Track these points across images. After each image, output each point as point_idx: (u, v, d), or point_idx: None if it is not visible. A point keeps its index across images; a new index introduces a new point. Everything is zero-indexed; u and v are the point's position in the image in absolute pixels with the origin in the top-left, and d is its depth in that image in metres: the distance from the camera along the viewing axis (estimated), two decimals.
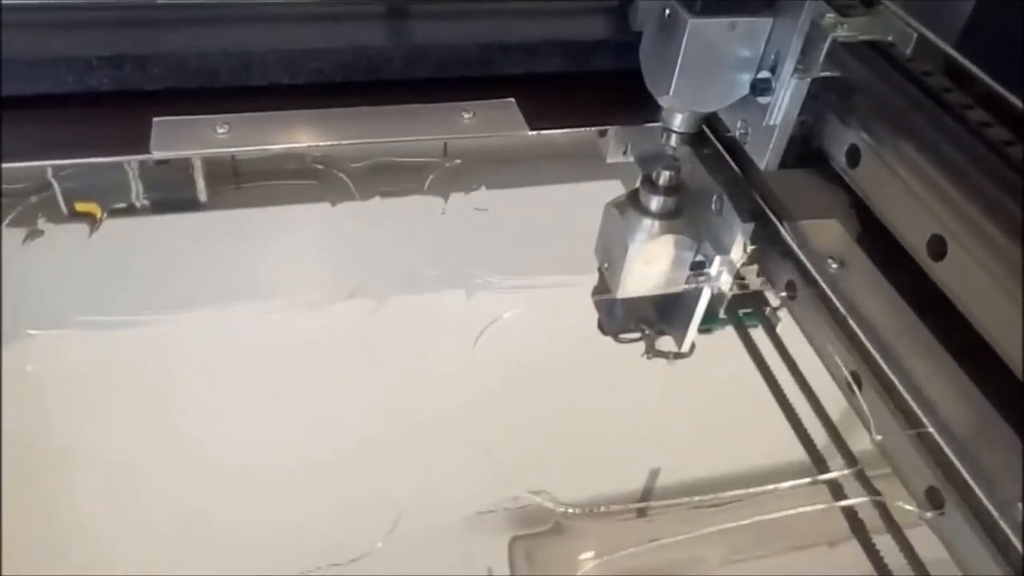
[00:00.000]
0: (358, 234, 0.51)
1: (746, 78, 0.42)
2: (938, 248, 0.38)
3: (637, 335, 0.49)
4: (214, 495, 0.37)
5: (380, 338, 0.48)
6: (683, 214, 0.48)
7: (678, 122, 0.46)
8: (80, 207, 0.48)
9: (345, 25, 0.55)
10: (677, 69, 0.40)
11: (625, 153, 0.59)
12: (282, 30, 0.55)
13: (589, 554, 0.44)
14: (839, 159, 0.44)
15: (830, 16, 0.39)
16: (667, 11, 0.41)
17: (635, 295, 0.48)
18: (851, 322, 0.45)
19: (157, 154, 0.49)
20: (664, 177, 0.47)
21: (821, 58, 0.39)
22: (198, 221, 0.50)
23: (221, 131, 0.51)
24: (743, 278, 0.49)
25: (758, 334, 0.49)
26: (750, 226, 0.46)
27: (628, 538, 0.42)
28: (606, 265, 0.49)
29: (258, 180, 0.53)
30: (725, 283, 0.48)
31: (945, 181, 0.38)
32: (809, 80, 0.41)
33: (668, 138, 0.47)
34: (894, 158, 0.41)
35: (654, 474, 0.45)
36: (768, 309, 0.50)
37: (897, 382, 0.42)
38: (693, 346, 0.49)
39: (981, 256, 0.36)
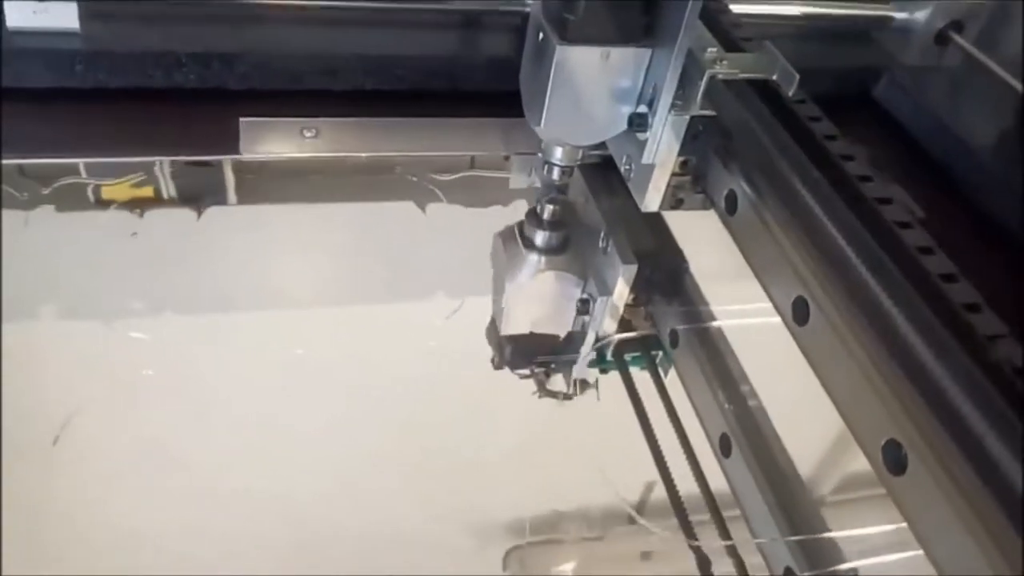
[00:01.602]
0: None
1: (625, 111, 0.39)
2: (801, 311, 0.35)
3: (527, 372, 0.47)
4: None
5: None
6: (570, 249, 0.45)
7: (558, 155, 0.43)
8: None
9: (428, 33, 0.55)
10: (547, 99, 0.37)
11: (530, 176, 0.55)
12: (368, 35, 0.55)
13: None
14: (720, 204, 0.41)
15: (712, 51, 0.36)
16: (540, 34, 0.37)
17: (519, 332, 0.46)
18: (733, 377, 0.43)
19: (247, 155, 0.50)
20: (548, 211, 0.44)
21: (699, 95, 0.36)
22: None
23: (308, 134, 0.51)
24: (629, 320, 0.46)
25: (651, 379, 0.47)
26: (633, 267, 0.43)
27: None
28: (494, 300, 0.47)
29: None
30: (609, 325, 0.45)
31: (809, 242, 0.34)
32: (688, 118, 0.38)
33: (549, 171, 0.43)
34: (765, 210, 0.37)
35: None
36: (658, 355, 0.47)
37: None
38: (584, 385, 0.47)
39: (840, 328, 0.32)
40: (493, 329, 0.47)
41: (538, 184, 0.54)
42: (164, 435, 0.39)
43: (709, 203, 0.42)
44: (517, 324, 0.45)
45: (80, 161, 0.48)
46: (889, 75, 0.65)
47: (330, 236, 0.50)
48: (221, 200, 0.49)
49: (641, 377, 0.47)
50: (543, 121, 0.38)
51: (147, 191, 0.48)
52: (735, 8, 0.64)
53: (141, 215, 0.46)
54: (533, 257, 0.44)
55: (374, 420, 0.41)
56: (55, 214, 0.44)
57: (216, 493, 0.37)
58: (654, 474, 0.42)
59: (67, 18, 0.50)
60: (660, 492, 0.41)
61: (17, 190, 0.45)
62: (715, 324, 0.44)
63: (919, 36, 0.64)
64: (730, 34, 0.40)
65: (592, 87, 0.37)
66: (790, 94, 0.35)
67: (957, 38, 0.63)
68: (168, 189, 0.50)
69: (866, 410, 0.31)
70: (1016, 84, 0.59)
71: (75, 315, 0.44)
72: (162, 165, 0.49)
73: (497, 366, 0.47)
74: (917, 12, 0.64)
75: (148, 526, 0.35)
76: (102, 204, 0.47)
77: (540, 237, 0.44)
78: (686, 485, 0.42)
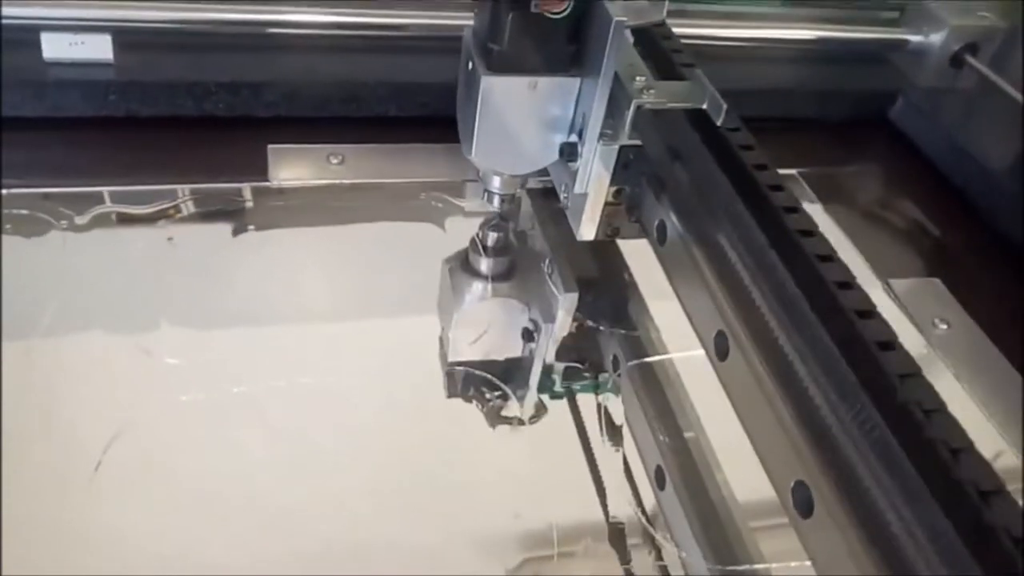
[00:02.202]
0: None
1: (557, 140, 0.38)
2: (722, 346, 0.34)
3: (479, 399, 0.46)
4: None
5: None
6: (516, 276, 0.44)
7: (496, 183, 0.42)
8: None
9: (450, 60, 0.57)
10: (476, 128, 0.37)
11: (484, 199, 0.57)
12: (391, 63, 0.57)
13: None
14: (652, 234, 0.40)
15: (640, 80, 0.35)
16: (469, 63, 0.37)
17: (466, 359, 0.45)
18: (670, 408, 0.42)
19: (275, 182, 0.51)
20: (491, 238, 0.43)
21: (627, 125, 0.35)
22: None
23: (335, 161, 0.53)
24: (577, 346, 0.46)
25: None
26: (574, 296, 0.43)
27: None
28: (443, 328, 0.46)
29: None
30: (553, 354, 0.45)
31: (728, 278, 0.33)
32: (617, 148, 0.37)
33: (489, 199, 0.42)
34: (691, 243, 0.36)
35: None
36: (608, 381, 0.46)
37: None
38: (540, 411, 0.45)
39: (755, 366, 0.32)
40: (444, 356, 0.46)
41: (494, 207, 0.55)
42: (196, 453, 0.40)
43: (644, 232, 0.41)
44: (464, 352, 0.45)
45: (109, 189, 0.50)
46: (905, 97, 0.66)
47: (353, 255, 0.51)
48: (241, 222, 0.51)
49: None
50: (473, 150, 0.38)
51: (112, 217, 0.49)
52: (752, 32, 0.66)
53: (170, 240, 0.48)
54: (478, 285, 0.44)
55: (403, 432, 0.42)
56: (87, 233, 0.46)
57: (245, 507, 0.38)
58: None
59: (101, 49, 0.52)
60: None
61: (54, 217, 0.46)
62: (659, 352, 0.44)
63: (934, 59, 0.65)
64: (669, 60, 0.40)
65: (521, 116, 0.37)
66: (718, 123, 0.34)
67: (972, 60, 0.64)
68: (188, 208, 0.52)
69: (778, 451, 0.30)
70: None
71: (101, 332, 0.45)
72: (184, 191, 0.51)
73: (449, 394, 0.46)
74: (932, 35, 0.65)
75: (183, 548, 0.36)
76: (126, 222, 0.48)
77: (484, 264, 0.44)
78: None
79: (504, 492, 0.42)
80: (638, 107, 0.34)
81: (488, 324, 0.44)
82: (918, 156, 0.64)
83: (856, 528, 0.26)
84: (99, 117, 0.52)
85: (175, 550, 0.35)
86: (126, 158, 0.51)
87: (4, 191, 0.47)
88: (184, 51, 0.54)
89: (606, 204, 0.40)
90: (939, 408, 0.25)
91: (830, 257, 0.30)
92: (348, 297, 0.48)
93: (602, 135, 0.36)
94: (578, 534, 0.40)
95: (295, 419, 0.41)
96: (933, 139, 0.63)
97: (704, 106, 0.34)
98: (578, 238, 0.40)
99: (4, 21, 0.50)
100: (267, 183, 0.51)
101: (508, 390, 0.45)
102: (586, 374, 0.46)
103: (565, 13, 0.34)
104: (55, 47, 0.51)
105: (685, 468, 0.40)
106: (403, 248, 0.51)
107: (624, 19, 0.33)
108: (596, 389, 0.46)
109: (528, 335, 0.44)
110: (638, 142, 0.37)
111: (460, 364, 0.45)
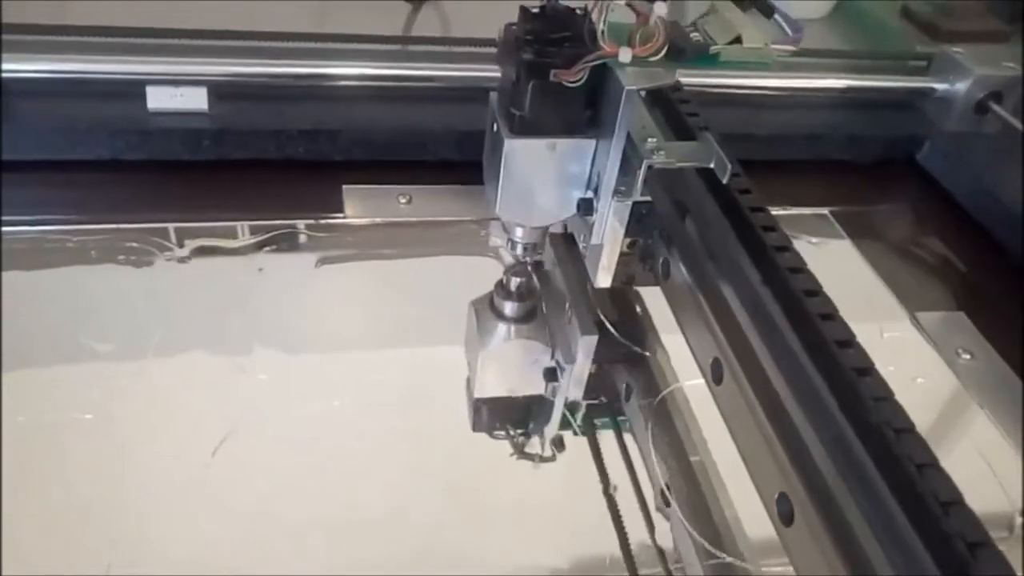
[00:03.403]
0: None
1: (575, 195, 0.40)
2: (718, 373, 0.37)
3: (503, 435, 0.48)
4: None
5: None
6: (538, 318, 0.47)
7: (519, 233, 0.44)
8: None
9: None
10: (500, 186, 0.39)
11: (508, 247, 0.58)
12: (455, 111, 0.62)
13: None
14: (656, 270, 0.43)
15: (651, 141, 0.37)
16: (494, 125, 0.39)
17: (491, 396, 0.47)
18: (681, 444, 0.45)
19: (352, 220, 0.57)
20: (514, 283, 0.45)
21: (639, 184, 0.37)
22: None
23: (403, 200, 0.59)
24: (599, 384, 0.48)
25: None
26: (593, 338, 0.44)
27: None
28: (470, 366, 0.48)
29: None
30: (576, 392, 0.46)
31: (722, 311, 0.36)
32: (630, 203, 0.39)
33: (513, 247, 0.45)
34: (691, 279, 0.39)
35: None
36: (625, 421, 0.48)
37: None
38: (561, 447, 0.47)
39: (746, 391, 0.34)
40: (470, 393, 0.48)
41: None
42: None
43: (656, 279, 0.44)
44: (488, 390, 0.47)
45: (205, 224, 0.55)
46: (931, 141, 0.69)
47: (420, 284, 0.55)
48: (320, 255, 0.55)
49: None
50: (498, 205, 0.41)
51: (210, 249, 0.54)
52: (792, 82, 0.71)
53: (260, 270, 0.53)
54: (502, 326, 0.46)
55: (443, 452, 0.46)
56: (188, 263, 0.52)
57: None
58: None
59: (198, 100, 0.58)
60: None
61: (159, 249, 0.52)
62: (668, 382, 0.46)
63: (960, 105, 0.69)
64: (681, 119, 0.41)
65: (541, 175, 0.39)
66: (724, 182, 0.36)
67: (996, 108, 0.67)
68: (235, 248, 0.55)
69: (763, 466, 0.33)
70: None
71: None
72: (270, 227, 0.57)
73: (474, 428, 0.48)
74: (958, 84, 0.69)
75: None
76: (221, 253, 0.54)
77: (509, 307, 0.46)
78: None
79: (523, 523, 0.44)
80: (649, 167, 0.37)
81: (512, 364, 0.46)
82: (944, 196, 0.67)
83: (830, 535, 0.29)
84: (195, 160, 0.58)
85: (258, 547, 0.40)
86: (219, 197, 0.57)
87: (115, 226, 0.53)
88: (269, 102, 0.60)
89: (621, 254, 0.42)
90: (909, 428, 0.28)
91: (815, 292, 0.33)
92: (415, 323, 0.53)
93: (616, 192, 0.39)
94: (595, 565, 0.43)
95: (369, 435, 0.46)
96: (958, 180, 0.67)
97: (711, 165, 0.36)
98: (595, 285, 0.43)
99: (115, 77, 0.57)
100: (343, 219, 0.57)
101: (531, 427, 0.48)
102: (606, 410, 0.49)
103: (581, 82, 0.36)
104: (158, 99, 0.57)
105: (691, 490, 0.43)
106: (464, 278, 0.56)
107: (635, 87, 0.35)
108: (616, 425, 0.48)
109: (551, 374, 0.46)
110: (648, 199, 0.40)
111: (485, 401, 0.47)
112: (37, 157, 0.56)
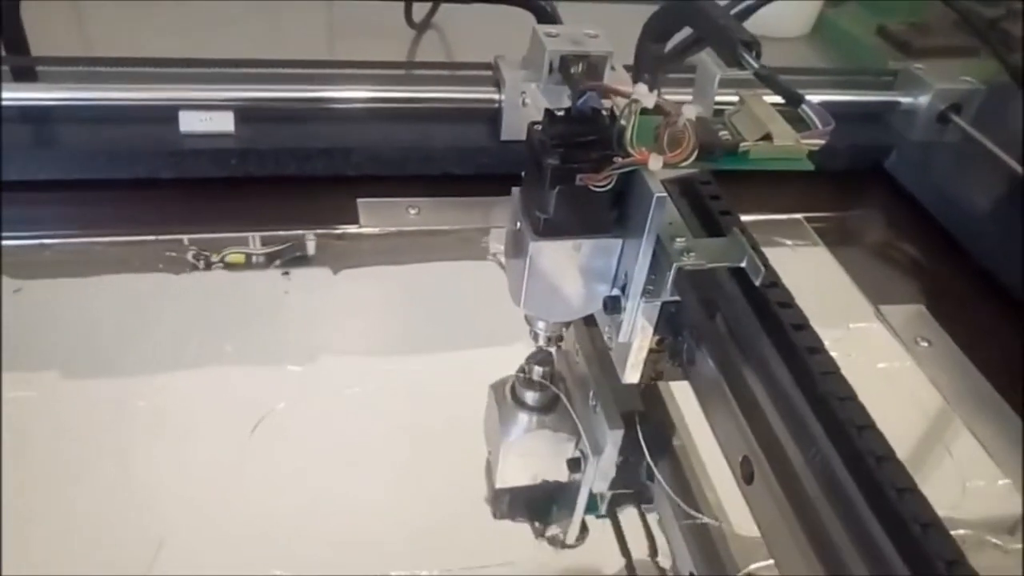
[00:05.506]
0: None
1: (601, 291, 0.39)
2: (748, 470, 0.36)
3: (524, 521, 0.47)
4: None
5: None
6: (561, 406, 0.45)
7: (542, 324, 0.43)
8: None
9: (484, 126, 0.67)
10: (525, 285, 0.38)
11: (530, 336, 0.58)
12: (457, 130, 0.68)
13: None
14: (685, 367, 0.42)
15: (680, 241, 0.35)
16: (518, 223, 0.38)
17: (512, 486, 0.46)
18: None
19: (366, 229, 0.63)
20: (536, 372, 0.44)
21: (668, 284, 0.36)
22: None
23: (412, 211, 0.65)
24: (622, 472, 0.46)
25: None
26: (619, 432, 0.43)
27: None
28: (489, 451, 0.47)
29: None
30: (601, 483, 0.46)
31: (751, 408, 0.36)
32: (659, 303, 0.38)
33: (536, 337, 0.43)
34: (718, 373, 0.39)
35: None
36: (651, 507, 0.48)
37: None
38: (584, 533, 0.47)
39: (778, 494, 0.34)
40: (491, 479, 0.47)
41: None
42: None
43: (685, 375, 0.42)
44: (510, 479, 0.46)
45: (232, 235, 0.61)
46: (898, 150, 0.75)
47: (429, 288, 0.61)
48: (336, 262, 0.60)
49: None
50: (522, 302, 0.39)
51: (241, 258, 0.59)
52: (765, 98, 0.76)
53: (286, 274, 0.59)
54: (524, 416, 0.44)
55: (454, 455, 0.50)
56: (219, 271, 0.57)
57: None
58: None
59: (225, 123, 0.63)
60: None
61: (194, 258, 0.58)
62: (697, 484, 0.46)
63: (923, 117, 0.74)
64: (707, 209, 0.41)
65: (566, 274, 0.38)
66: (757, 284, 0.35)
67: (956, 118, 0.73)
68: (259, 257, 0.60)
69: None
70: (1007, 157, 0.68)
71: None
72: (291, 236, 0.62)
73: (495, 516, 0.47)
74: (921, 97, 0.74)
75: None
76: (249, 261, 0.60)
77: (531, 397, 0.44)
78: None
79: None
80: (679, 269, 0.35)
81: (535, 455, 0.45)
82: (909, 201, 0.73)
83: None
84: (223, 177, 0.63)
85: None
86: (245, 210, 0.63)
87: (153, 237, 0.59)
88: (290, 123, 0.66)
89: (649, 351, 0.40)
90: (911, 488, 0.29)
91: (852, 397, 0.32)
92: (424, 322, 0.58)
93: (645, 292, 0.37)
94: None
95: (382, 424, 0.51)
96: (923, 186, 0.72)
97: (743, 264, 0.35)
98: (623, 381, 0.41)
99: (150, 103, 0.63)
100: (358, 229, 0.63)
101: (553, 511, 0.47)
102: (631, 499, 0.48)
103: (609, 187, 0.34)
104: (189, 122, 0.62)
105: None
106: (469, 280, 0.61)
107: (665, 194, 0.34)
108: (642, 515, 0.47)
109: (575, 465, 0.45)
110: (678, 298, 0.38)
111: (507, 490, 0.46)
112: (80, 177, 0.61)
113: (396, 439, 0.49)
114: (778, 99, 0.38)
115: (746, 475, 0.36)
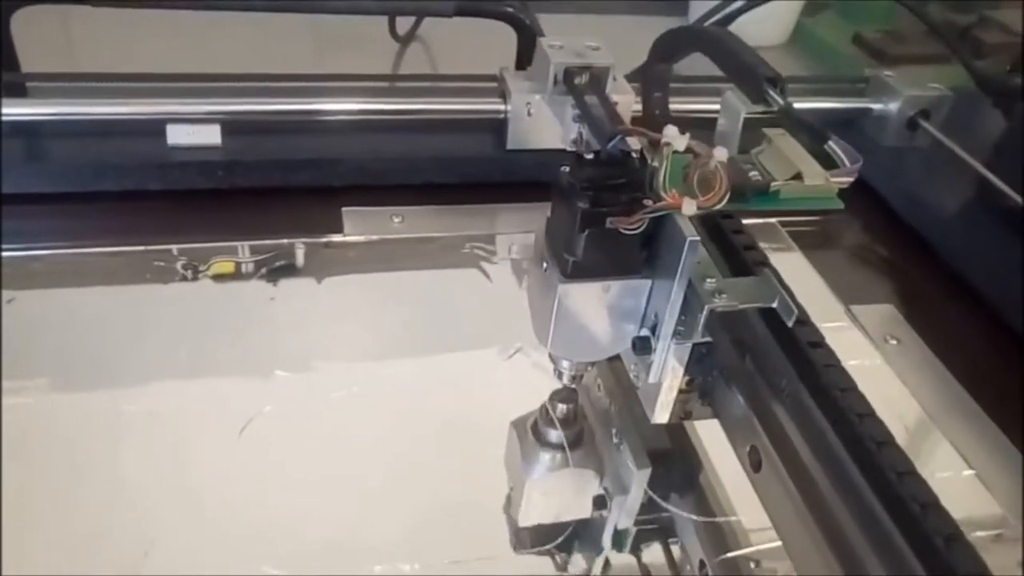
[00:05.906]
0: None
1: (629, 331, 0.38)
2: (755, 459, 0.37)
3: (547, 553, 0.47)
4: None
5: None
6: (585, 443, 0.44)
7: (566, 364, 0.42)
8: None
9: (486, 138, 0.69)
10: (552, 326, 0.38)
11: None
12: (440, 140, 0.69)
13: None
14: (715, 407, 0.41)
15: (711, 282, 0.35)
16: (545, 265, 0.37)
17: (535, 523, 0.45)
18: None
19: (351, 238, 0.64)
20: (559, 410, 0.43)
21: (700, 326, 0.36)
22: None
23: (396, 220, 0.66)
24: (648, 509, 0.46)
25: None
26: (647, 472, 0.43)
27: None
28: (511, 487, 0.47)
29: None
30: (626, 520, 0.46)
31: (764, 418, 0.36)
32: (690, 344, 0.37)
33: (559, 375, 0.43)
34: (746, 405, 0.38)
35: None
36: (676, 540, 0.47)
37: None
38: (607, 568, 0.46)
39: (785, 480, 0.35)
40: (512, 517, 0.46)
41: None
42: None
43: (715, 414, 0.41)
44: (533, 516, 0.45)
45: (219, 245, 0.62)
46: (870, 154, 0.77)
47: (414, 294, 0.62)
48: (322, 270, 0.61)
49: None
50: (550, 344, 0.39)
51: (229, 267, 0.60)
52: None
53: (274, 284, 0.60)
54: (546, 455, 0.44)
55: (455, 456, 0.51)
56: (206, 280, 0.59)
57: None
58: None
59: (212, 136, 0.65)
60: None
61: (182, 267, 0.59)
62: (720, 521, 0.46)
63: (893, 123, 0.76)
64: (734, 248, 0.40)
65: (594, 315, 0.38)
66: (789, 324, 0.35)
67: (924, 124, 0.75)
68: (247, 266, 0.61)
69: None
70: (973, 162, 0.70)
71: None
72: (278, 245, 0.64)
73: (515, 548, 0.46)
74: (891, 104, 0.76)
75: None
76: (237, 270, 0.61)
77: (554, 435, 0.44)
78: None
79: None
80: (711, 311, 0.35)
81: (558, 493, 0.44)
82: (881, 203, 0.75)
83: None
84: (210, 189, 0.65)
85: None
86: (232, 221, 0.64)
87: (142, 248, 0.60)
88: (275, 135, 0.67)
89: (679, 392, 0.39)
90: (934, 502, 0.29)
91: (888, 442, 0.32)
92: (408, 327, 0.60)
93: (676, 333, 0.37)
94: None
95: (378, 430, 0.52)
96: (894, 189, 0.74)
97: (775, 305, 0.35)
98: (652, 421, 0.40)
99: (139, 117, 0.64)
100: (343, 238, 0.64)
101: (576, 545, 0.46)
102: (656, 535, 0.47)
103: (640, 230, 0.34)
104: (177, 135, 0.64)
105: None
106: (451, 287, 0.63)
107: (697, 239, 0.33)
108: (667, 550, 0.47)
109: (599, 502, 0.44)
110: (710, 339, 0.37)
111: (530, 528, 0.46)
112: (71, 190, 0.63)
113: (383, 440, 0.51)
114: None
115: (754, 463, 0.37)
